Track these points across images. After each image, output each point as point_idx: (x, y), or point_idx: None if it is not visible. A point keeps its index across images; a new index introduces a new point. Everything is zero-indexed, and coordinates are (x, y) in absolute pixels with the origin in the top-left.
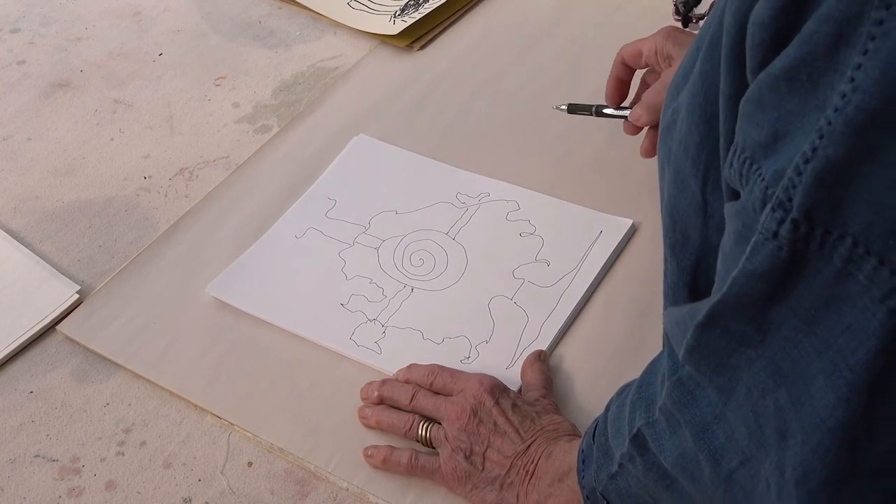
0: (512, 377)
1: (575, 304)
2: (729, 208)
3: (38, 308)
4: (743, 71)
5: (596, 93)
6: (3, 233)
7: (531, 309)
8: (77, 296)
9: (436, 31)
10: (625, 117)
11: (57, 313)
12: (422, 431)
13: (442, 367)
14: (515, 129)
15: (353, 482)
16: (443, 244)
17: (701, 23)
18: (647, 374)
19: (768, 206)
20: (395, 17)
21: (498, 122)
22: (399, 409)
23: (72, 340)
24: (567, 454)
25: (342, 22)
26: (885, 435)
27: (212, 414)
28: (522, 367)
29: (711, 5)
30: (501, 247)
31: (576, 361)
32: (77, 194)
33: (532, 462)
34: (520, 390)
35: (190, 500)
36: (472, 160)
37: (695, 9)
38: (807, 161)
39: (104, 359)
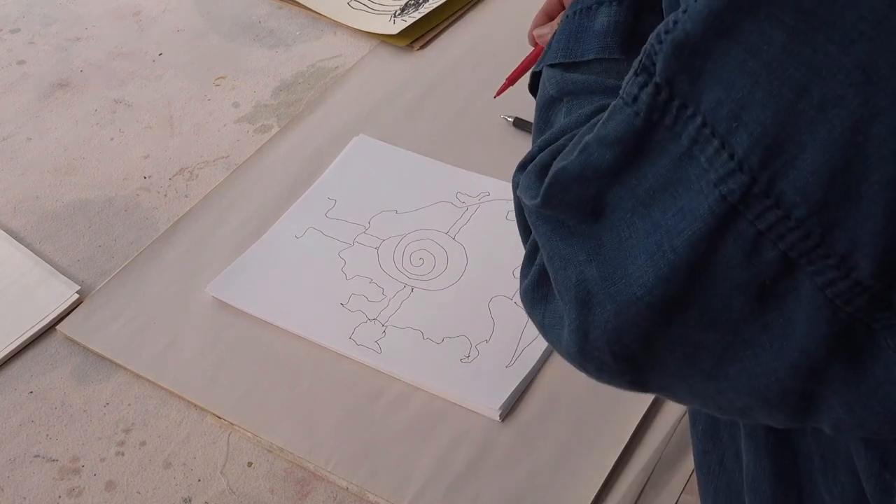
0: (512, 377)
1: None
2: None
3: (38, 308)
4: None
5: None
6: (3, 233)
7: None
8: (77, 296)
9: (436, 31)
10: None
11: (57, 313)
12: None
13: None
14: (516, 128)
15: (353, 481)
16: (443, 244)
17: None
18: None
19: (632, 72)
20: (395, 16)
21: (498, 122)
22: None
23: (72, 340)
24: None
25: (342, 22)
26: (695, 308)
27: (212, 414)
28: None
29: None
30: (501, 247)
31: None
32: (77, 194)
33: None
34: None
35: (190, 500)
36: (472, 160)
37: None
38: (668, 31)
39: (104, 359)
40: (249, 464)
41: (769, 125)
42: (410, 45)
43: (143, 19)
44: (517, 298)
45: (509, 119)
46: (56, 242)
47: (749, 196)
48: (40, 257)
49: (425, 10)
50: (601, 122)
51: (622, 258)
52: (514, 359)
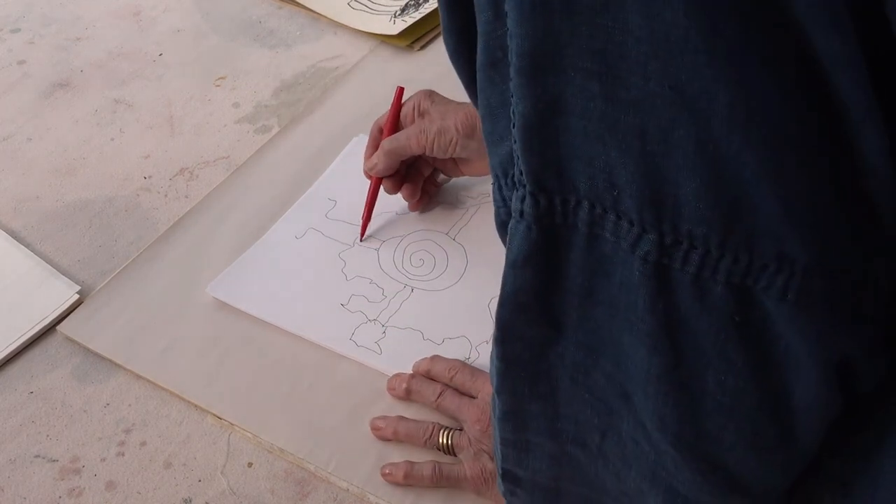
0: None
1: None
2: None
3: (38, 308)
4: None
5: None
6: (3, 233)
7: None
8: (77, 296)
9: (436, 32)
10: None
11: (57, 313)
12: (443, 439)
13: (464, 364)
14: None
15: (353, 482)
16: (443, 244)
17: None
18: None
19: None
20: (395, 17)
21: None
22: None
23: (72, 340)
24: None
25: (342, 22)
26: (705, 368)
27: (212, 414)
28: None
29: None
30: (501, 247)
31: None
32: (77, 194)
33: None
34: None
35: (190, 501)
36: None
37: None
38: (514, 126)
39: (104, 359)
40: (250, 464)
41: (639, 180)
42: (410, 46)
43: (143, 19)
44: None
45: None
46: (56, 242)
47: (664, 249)
48: (41, 257)
49: (425, 10)
50: (507, 249)
51: (611, 343)
52: None
